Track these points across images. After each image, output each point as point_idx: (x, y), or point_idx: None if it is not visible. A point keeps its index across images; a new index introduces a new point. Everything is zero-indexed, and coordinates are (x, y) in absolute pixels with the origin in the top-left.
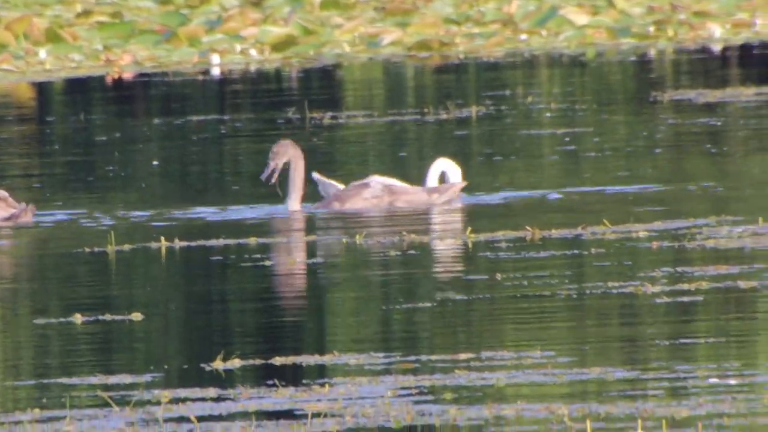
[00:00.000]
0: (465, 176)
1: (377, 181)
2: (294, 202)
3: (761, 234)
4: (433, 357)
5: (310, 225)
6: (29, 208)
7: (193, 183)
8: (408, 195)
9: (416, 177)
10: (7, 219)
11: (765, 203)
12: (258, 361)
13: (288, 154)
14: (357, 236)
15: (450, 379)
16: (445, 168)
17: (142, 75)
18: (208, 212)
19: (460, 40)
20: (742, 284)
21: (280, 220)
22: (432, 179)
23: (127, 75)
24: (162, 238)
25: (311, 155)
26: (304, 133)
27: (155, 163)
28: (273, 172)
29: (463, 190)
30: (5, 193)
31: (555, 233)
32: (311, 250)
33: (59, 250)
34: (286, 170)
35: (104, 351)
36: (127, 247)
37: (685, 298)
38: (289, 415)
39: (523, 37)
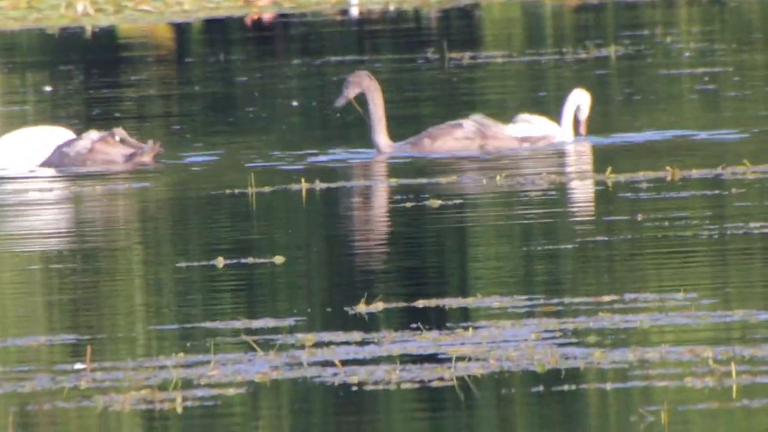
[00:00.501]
0: (602, 115)
1: (473, 120)
2: (381, 136)
3: None
4: (576, 300)
5: (448, 166)
6: (151, 147)
7: (332, 124)
8: (499, 140)
9: (555, 115)
10: (128, 158)
11: None
12: (401, 305)
13: (362, 85)
14: (497, 176)
15: (593, 321)
16: (581, 100)
17: (281, 15)
18: (347, 153)
19: None
20: None
21: (416, 160)
22: (568, 112)
23: (266, 16)
24: (302, 179)
25: (451, 95)
26: (443, 72)
27: (294, 103)
28: (346, 100)
29: (599, 130)
30: (124, 132)
31: (695, 173)
32: (452, 191)
33: (200, 192)
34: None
35: (247, 295)
36: (267, 189)
37: None
38: (432, 358)
39: None
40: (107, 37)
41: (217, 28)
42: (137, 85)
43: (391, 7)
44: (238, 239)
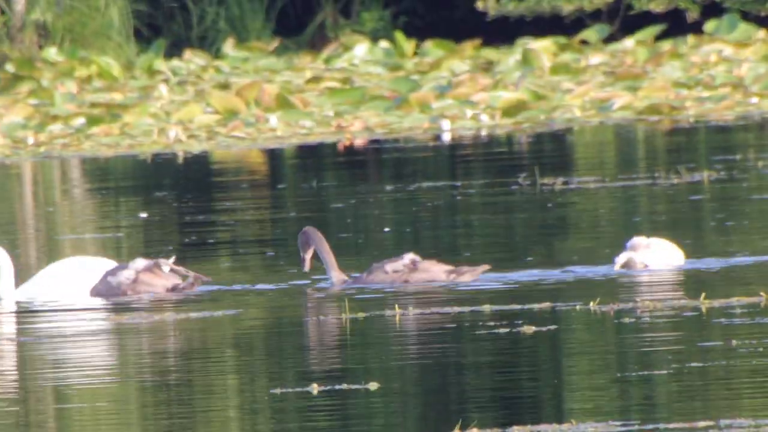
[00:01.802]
0: (696, 239)
1: (408, 257)
2: (334, 272)
3: None
4: (671, 425)
5: (558, 293)
6: (195, 278)
7: (425, 250)
8: (427, 273)
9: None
10: (171, 289)
11: None
12: (495, 430)
13: (310, 242)
14: (591, 302)
15: None
16: (633, 253)
17: (373, 141)
18: (440, 279)
19: (690, 104)
20: None
21: (511, 289)
22: (619, 262)
23: (359, 141)
24: (396, 305)
25: (543, 220)
26: (535, 197)
27: (387, 229)
28: (309, 262)
29: (693, 255)
30: (170, 261)
31: None
32: (546, 317)
33: (293, 317)
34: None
35: (341, 421)
36: (360, 314)
37: None
38: None
39: (754, 100)
40: (200, 162)
41: (310, 154)
42: (231, 210)
43: (483, 132)
44: (331, 365)
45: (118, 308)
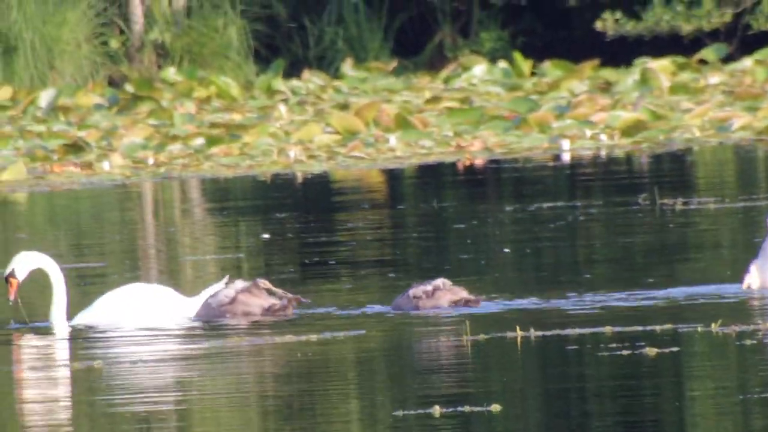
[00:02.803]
0: None
1: (437, 282)
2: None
3: None
4: None
5: (680, 314)
6: (292, 300)
7: (545, 271)
8: (433, 301)
9: None
10: (266, 311)
11: None
12: None
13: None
14: (713, 324)
15: None
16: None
17: (492, 161)
18: (560, 300)
19: None
20: None
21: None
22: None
23: (478, 161)
24: (517, 327)
25: (664, 241)
26: (655, 219)
27: (506, 250)
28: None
29: None
30: (268, 282)
31: None
32: (665, 340)
33: (415, 338)
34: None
35: None
36: (482, 336)
37: None
38: None
39: None
40: (319, 183)
41: (430, 174)
42: (352, 230)
43: (603, 153)
44: (453, 387)
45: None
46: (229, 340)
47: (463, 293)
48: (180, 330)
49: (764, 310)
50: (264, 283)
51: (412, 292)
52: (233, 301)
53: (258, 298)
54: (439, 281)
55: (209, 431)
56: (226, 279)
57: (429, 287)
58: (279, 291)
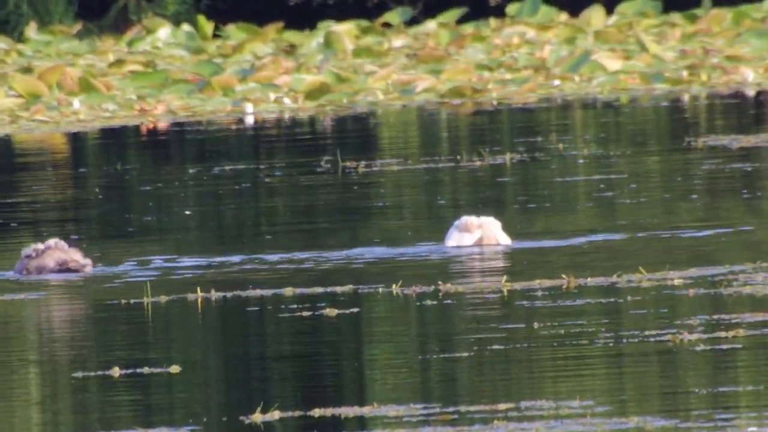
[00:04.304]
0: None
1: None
2: None
3: None
4: (472, 408)
5: (362, 275)
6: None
7: (227, 232)
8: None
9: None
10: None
11: None
12: (297, 413)
13: None
14: (393, 285)
15: (489, 429)
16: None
17: (176, 124)
18: (242, 262)
19: (493, 87)
20: None
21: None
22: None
23: (162, 124)
24: (198, 288)
25: (345, 204)
26: (337, 180)
27: (188, 212)
28: None
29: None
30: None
31: (591, 281)
32: (348, 300)
33: (96, 301)
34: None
35: (143, 405)
36: (163, 298)
37: (724, 346)
38: None
39: (556, 82)
40: (1, 146)
41: (113, 137)
42: (35, 193)
43: (287, 116)
44: (133, 349)
45: None
46: None
47: (75, 255)
48: None
49: (444, 271)
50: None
51: (24, 251)
52: None
53: None
54: (52, 241)
55: None
56: None
57: (41, 246)
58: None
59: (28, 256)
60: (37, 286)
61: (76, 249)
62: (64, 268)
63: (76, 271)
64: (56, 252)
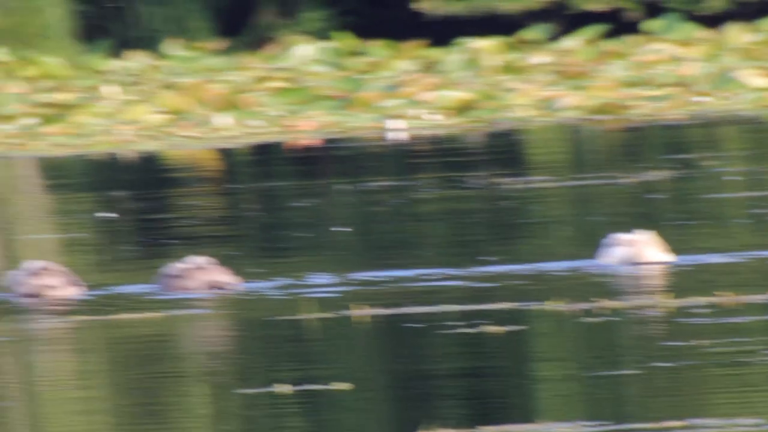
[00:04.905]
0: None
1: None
2: None
3: None
4: (640, 425)
5: (522, 292)
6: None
7: (378, 248)
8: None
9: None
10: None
11: None
12: (463, 431)
13: None
14: (550, 301)
15: None
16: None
17: (321, 140)
18: (399, 277)
19: (637, 103)
20: None
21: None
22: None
23: (306, 140)
24: (355, 305)
25: (495, 219)
26: (486, 196)
27: (340, 228)
28: None
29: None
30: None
31: (753, 298)
32: (509, 317)
33: (255, 317)
34: None
35: (312, 422)
36: (319, 315)
37: None
38: None
39: (699, 99)
40: (152, 162)
41: (260, 153)
42: (188, 208)
43: (430, 132)
44: (299, 366)
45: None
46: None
47: (217, 273)
48: None
49: (600, 287)
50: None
51: (164, 269)
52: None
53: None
54: (194, 260)
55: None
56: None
57: (182, 265)
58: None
59: (169, 275)
60: (192, 303)
61: (219, 266)
62: (206, 287)
63: (219, 289)
64: (199, 271)
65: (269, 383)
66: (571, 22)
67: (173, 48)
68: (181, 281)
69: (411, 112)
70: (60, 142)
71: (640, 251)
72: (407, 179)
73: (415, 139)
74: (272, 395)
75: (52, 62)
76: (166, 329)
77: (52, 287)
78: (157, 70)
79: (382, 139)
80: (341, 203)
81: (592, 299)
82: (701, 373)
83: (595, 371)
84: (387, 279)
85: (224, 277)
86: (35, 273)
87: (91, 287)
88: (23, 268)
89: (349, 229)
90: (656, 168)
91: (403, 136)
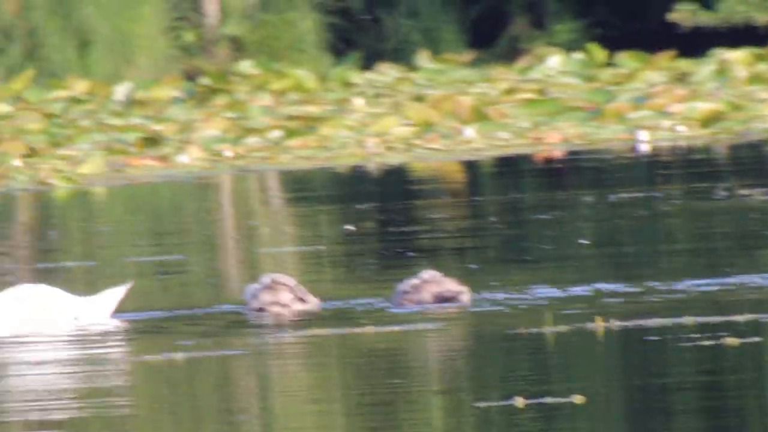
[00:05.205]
0: None
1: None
2: None
3: None
4: None
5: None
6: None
7: (624, 261)
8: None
9: None
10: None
11: None
12: None
13: None
14: None
15: None
16: None
17: (570, 152)
18: (641, 290)
19: None
20: None
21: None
22: None
23: (556, 152)
24: (598, 318)
25: (743, 231)
26: (735, 208)
27: (584, 240)
28: None
29: None
30: (292, 280)
31: None
32: (753, 329)
33: (496, 330)
34: None
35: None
36: (563, 327)
37: None
38: None
39: None
40: (397, 174)
41: (507, 166)
42: (432, 221)
43: (680, 144)
44: (536, 378)
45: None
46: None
47: (450, 285)
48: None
49: None
50: (287, 280)
51: (400, 286)
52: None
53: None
54: (427, 274)
55: None
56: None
57: (416, 280)
58: (300, 288)
59: (405, 292)
60: (427, 317)
61: (452, 279)
62: (440, 299)
63: (452, 300)
64: (432, 284)
65: (508, 396)
66: None
67: (424, 60)
68: (413, 295)
69: (662, 123)
70: (307, 154)
71: None
72: (653, 190)
73: (660, 151)
74: (508, 409)
75: (302, 75)
76: (401, 343)
77: (284, 302)
78: (407, 83)
79: (632, 150)
80: (585, 216)
81: None
82: None
83: None
84: (630, 292)
85: (457, 289)
86: (269, 287)
87: (327, 300)
88: (260, 282)
89: (587, 242)
90: None
91: (646, 147)
